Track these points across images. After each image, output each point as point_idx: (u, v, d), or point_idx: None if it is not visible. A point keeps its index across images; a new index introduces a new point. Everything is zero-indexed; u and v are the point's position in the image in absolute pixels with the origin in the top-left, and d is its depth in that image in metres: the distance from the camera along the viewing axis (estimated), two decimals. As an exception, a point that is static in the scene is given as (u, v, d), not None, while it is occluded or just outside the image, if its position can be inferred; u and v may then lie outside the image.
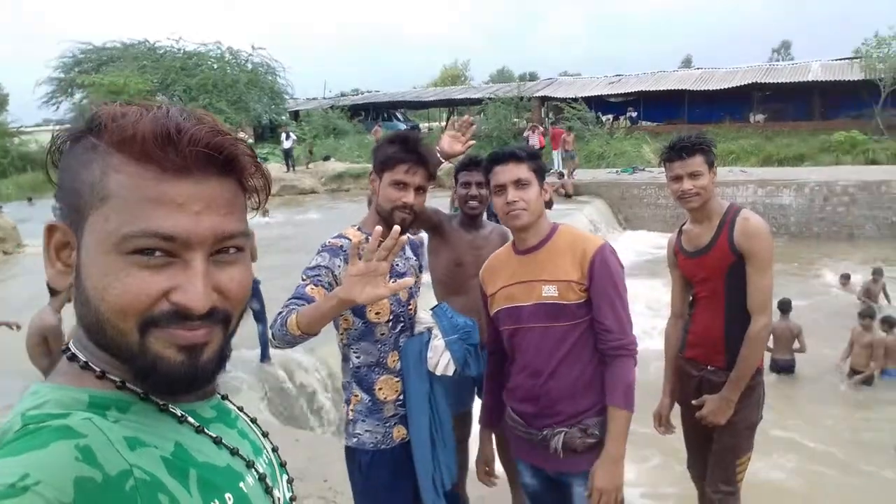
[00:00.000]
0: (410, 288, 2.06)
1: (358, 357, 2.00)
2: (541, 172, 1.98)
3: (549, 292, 1.91)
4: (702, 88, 24.74)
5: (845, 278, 10.09)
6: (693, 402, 2.49)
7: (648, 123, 26.85)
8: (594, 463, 1.90)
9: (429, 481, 2.01)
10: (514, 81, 39.41)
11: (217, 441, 0.70)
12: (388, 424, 2.01)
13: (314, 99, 36.89)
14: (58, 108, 27.62)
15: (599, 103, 26.68)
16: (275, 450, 0.83)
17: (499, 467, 2.41)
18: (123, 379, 0.65)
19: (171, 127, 0.61)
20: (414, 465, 2.01)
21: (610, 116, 27.51)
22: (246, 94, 28.36)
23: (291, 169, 21.06)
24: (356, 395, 1.98)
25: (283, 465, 0.83)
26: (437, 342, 1.97)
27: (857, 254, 13.40)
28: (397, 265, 2.03)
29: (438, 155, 2.34)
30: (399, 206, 1.92)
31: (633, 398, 1.91)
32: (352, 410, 2.02)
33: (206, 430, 0.70)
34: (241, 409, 0.82)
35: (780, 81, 24.01)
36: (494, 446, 2.30)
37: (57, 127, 0.67)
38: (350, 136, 28.76)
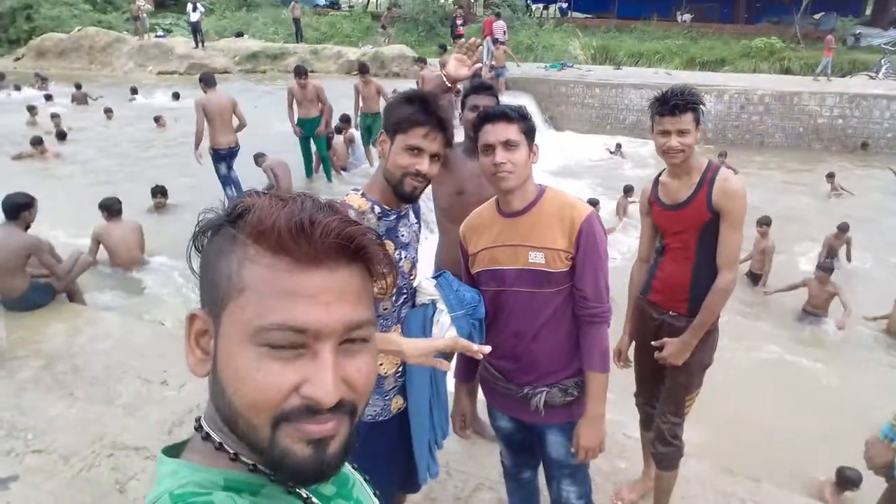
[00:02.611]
0: (413, 257, 1.94)
1: None
2: (531, 134, 1.91)
3: (536, 259, 1.90)
4: (633, -19, 24.21)
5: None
6: (653, 343, 2.60)
7: (578, 15, 26.26)
8: (572, 416, 2.01)
9: (424, 447, 2.00)
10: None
11: None
12: (387, 397, 1.95)
13: (222, -38, 33.36)
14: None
15: (530, -9, 25.69)
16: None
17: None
18: (255, 462, 0.67)
19: (305, 219, 0.62)
20: (410, 432, 1.99)
21: (540, 5, 26.65)
22: (142, -49, 25.17)
23: (200, 45, 19.26)
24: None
25: None
26: (444, 318, 1.88)
27: (763, 161, 14.06)
28: (402, 235, 1.88)
29: (444, 79, 2.28)
30: (412, 172, 1.72)
31: (609, 361, 1.99)
32: None
33: None
34: (354, 467, 0.87)
35: (710, -20, 23.83)
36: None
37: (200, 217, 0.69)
38: (264, 10, 26.45)
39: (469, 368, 2.24)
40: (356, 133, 9.73)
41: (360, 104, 9.20)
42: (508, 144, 1.84)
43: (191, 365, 0.69)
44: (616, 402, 2.38)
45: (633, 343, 2.83)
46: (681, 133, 2.34)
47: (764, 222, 7.91)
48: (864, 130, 15.00)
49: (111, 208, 6.13)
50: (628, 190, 10.05)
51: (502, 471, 2.40)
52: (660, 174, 2.62)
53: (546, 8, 27.85)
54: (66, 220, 6.91)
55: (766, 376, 6.11)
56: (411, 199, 1.78)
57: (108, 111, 13.04)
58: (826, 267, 7.22)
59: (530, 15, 25.37)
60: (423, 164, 1.72)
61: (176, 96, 14.67)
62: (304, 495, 0.71)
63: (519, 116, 1.87)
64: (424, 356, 1.60)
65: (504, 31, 17.25)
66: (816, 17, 22.18)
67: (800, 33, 21.11)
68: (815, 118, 15.24)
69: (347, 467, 0.84)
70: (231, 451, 0.68)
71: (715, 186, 2.37)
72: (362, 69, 9.40)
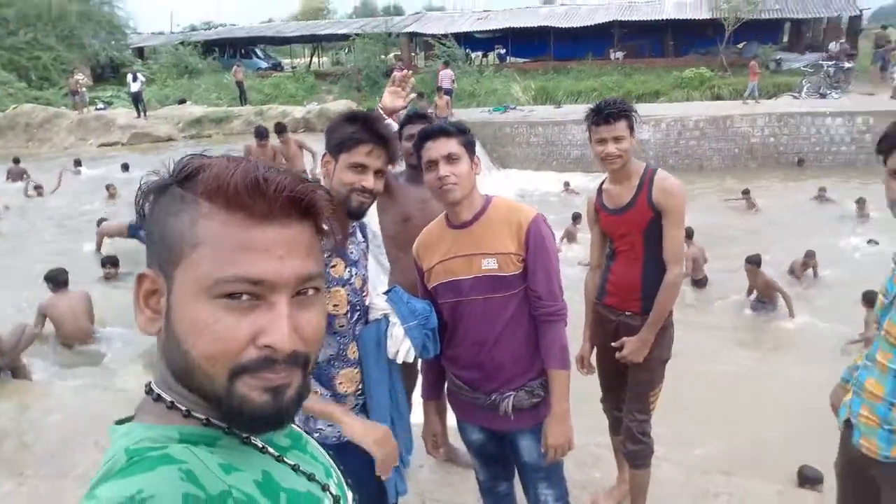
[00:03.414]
0: (364, 274, 1.95)
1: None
2: (471, 146, 1.97)
3: (489, 265, 1.95)
4: (566, 26, 25.27)
5: None
6: (613, 344, 2.68)
7: (516, 60, 27.16)
8: (540, 418, 2.04)
9: None
10: (378, 16, 38.08)
11: (295, 468, 0.75)
12: None
13: (160, 34, 33.57)
14: None
15: (468, 40, 26.57)
16: (341, 470, 0.89)
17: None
18: (208, 416, 0.69)
19: (260, 176, 0.65)
20: None
21: (479, 53, 27.52)
22: (79, 28, 25.17)
23: (143, 115, 19.12)
24: (315, 392, 1.87)
25: (348, 484, 0.88)
26: (397, 330, 1.91)
27: (704, 183, 14.58)
28: (351, 252, 1.89)
29: (381, 111, 2.32)
30: (358, 189, 1.75)
31: (569, 358, 2.04)
32: None
33: (284, 458, 0.75)
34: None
35: (637, 19, 25.06)
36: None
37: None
38: (206, 76, 26.57)
39: (435, 385, 2.24)
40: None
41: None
42: (450, 158, 1.90)
43: (140, 324, 0.70)
44: (584, 411, 2.42)
45: (595, 349, 2.89)
46: (616, 140, 2.46)
47: (686, 234, 8.27)
48: (794, 146, 15.77)
49: (57, 279, 5.94)
50: (576, 217, 10.29)
51: (478, 487, 2.38)
52: (602, 182, 2.72)
53: (485, 56, 28.78)
54: (8, 297, 6.66)
55: (729, 374, 6.27)
56: (358, 214, 1.80)
57: (37, 187, 12.65)
58: (753, 260, 7.74)
59: (470, 63, 26.15)
60: (369, 181, 1.75)
61: (125, 167, 14.43)
62: (260, 445, 0.72)
63: (457, 131, 1.94)
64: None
65: (452, 80, 17.75)
66: (739, 46, 23.46)
67: (725, 62, 22.27)
68: (748, 139, 15.97)
69: (301, 430, 0.86)
70: (183, 409, 0.69)
71: (654, 186, 2.50)
72: (260, 133, 8.28)
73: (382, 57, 26.38)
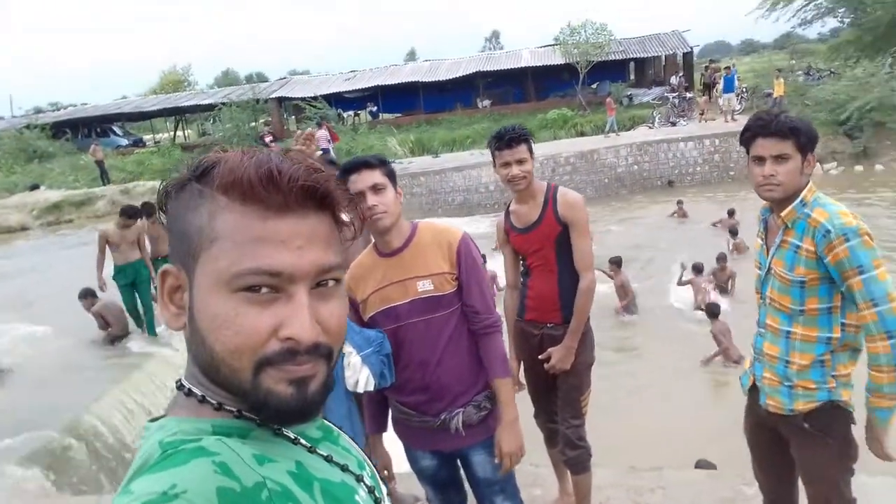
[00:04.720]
0: None
1: None
2: (393, 176, 2.03)
3: (425, 287, 2.02)
4: (433, 79, 26.11)
5: None
6: (540, 356, 2.76)
7: (389, 116, 27.59)
8: (490, 431, 2.11)
9: None
10: (242, 84, 37.56)
11: (328, 459, 0.74)
12: None
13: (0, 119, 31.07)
14: None
15: (338, 100, 26.70)
16: (374, 464, 0.90)
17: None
18: (240, 409, 0.69)
19: (273, 168, 0.64)
20: None
21: (351, 112, 27.69)
22: None
23: (-14, 205, 17.40)
24: None
25: (381, 477, 0.88)
26: (354, 359, 1.94)
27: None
28: None
29: None
30: None
31: (508, 365, 2.16)
32: None
33: (317, 449, 0.74)
34: (340, 428, 0.87)
35: (498, 69, 26.40)
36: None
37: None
38: (60, 159, 24.74)
39: (379, 418, 2.26)
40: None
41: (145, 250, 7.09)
42: (376, 188, 1.95)
43: (166, 320, 0.70)
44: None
45: (521, 365, 2.96)
46: (520, 162, 2.60)
47: (614, 262, 8.70)
48: (656, 171, 16.99)
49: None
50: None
51: None
52: (508, 205, 2.85)
53: (357, 114, 29.02)
54: None
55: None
56: None
57: None
58: (614, 260, 8.53)
59: (343, 122, 26.22)
60: None
61: None
62: (293, 437, 0.72)
63: (379, 162, 2.00)
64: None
65: (328, 140, 17.55)
66: (593, 86, 25.29)
67: (584, 101, 23.86)
68: (615, 168, 17.02)
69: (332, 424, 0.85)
70: (214, 402, 0.68)
71: (558, 202, 2.65)
72: (126, 213, 6.86)
73: (252, 124, 25.85)
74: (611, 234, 13.11)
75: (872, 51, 20.74)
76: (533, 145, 2.64)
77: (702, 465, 4.51)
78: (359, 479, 0.77)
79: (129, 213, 6.85)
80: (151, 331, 7.05)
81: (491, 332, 2.07)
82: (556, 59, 25.18)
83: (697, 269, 8.53)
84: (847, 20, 24.57)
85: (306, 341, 0.65)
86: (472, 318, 2.06)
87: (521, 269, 2.87)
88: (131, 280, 6.91)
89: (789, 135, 1.95)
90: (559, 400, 2.82)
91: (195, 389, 0.69)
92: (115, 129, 31.35)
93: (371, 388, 1.97)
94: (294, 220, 0.65)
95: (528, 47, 28.60)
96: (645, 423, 5.57)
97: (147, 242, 7.08)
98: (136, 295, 7.00)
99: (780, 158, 1.96)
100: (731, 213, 11.81)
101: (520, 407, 2.91)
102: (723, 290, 8.72)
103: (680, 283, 8.68)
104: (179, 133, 32.91)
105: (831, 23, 26.58)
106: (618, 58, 25.30)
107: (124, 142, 29.83)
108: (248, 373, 0.65)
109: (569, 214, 2.62)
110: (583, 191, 16.84)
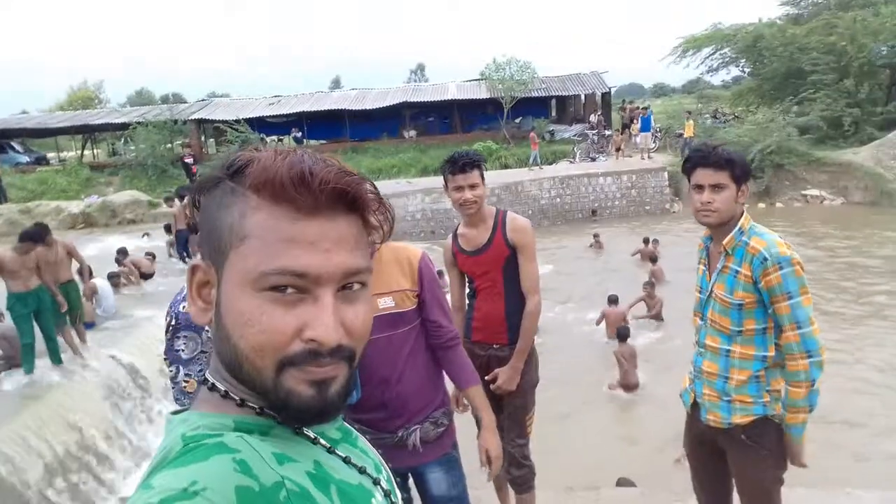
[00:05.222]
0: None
1: None
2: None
3: (386, 303, 2.03)
4: (359, 108, 26.07)
5: None
6: (486, 377, 2.74)
7: (314, 142, 27.24)
8: (446, 448, 2.16)
9: None
10: (156, 104, 36.16)
11: (346, 460, 0.75)
12: None
13: None
14: None
15: (261, 125, 26.12)
16: (391, 468, 0.89)
17: None
18: (262, 406, 0.69)
19: (306, 169, 0.65)
20: None
21: (275, 137, 27.15)
22: None
23: None
24: None
25: (397, 482, 0.88)
26: None
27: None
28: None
29: None
30: None
31: (476, 374, 2.22)
32: None
33: (336, 450, 0.75)
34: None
35: (425, 100, 26.70)
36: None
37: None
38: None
39: None
40: (99, 283, 8.45)
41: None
42: None
43: (193, 314, 0.71)
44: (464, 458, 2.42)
45: None
46: (472, 187, 2.64)
47: (649, 283, 9.27)
48: (577, 204, 17.59)
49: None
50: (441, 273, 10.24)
51: None
52: (456, 229, 2.90)
53: (280, 140, 28.49)
54: None
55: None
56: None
57: None
58: (649, 283, 9.16)
59: (266, 147, 25.67)
60: None
61: None
62: (312, 436, 0.73)
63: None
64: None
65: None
66: (517, 121, 25.99)
67: (508, 135, 24.46)
68: (538, 200, 17.49)
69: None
70: (237, 398, 0.69)
71: (507, 227, 2.72)
72: (29, 236, 6.25)
73: (168, 145, 24.84)
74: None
75: (771, 98, 22.54)
76: (483, 172, 2.69)
77: (622, 483, 4.65)
78: (376, 482, 0.77)
79: (33, 237, 6.27)
80: (56, 359, 6.42)
81: (454, 343, 2.14)
82: (482, 93, 25.76)
83: (612, 300, 8.71)
84: (748, 69, 26.63)
85: (329, 343, 0.65)
86: (435, 333, 2.11)
87: (468, 290, 2.91)
88: (33, 308, 6.17)
89: (725, 166, 2.10)
90: (505, 420, 2.85)
91: (219, 385, 0.70)
92: (16, 144, 29.28)
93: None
94: (323, 222, 0.66)
95: (454, 80, 29.10)
96: (561, 445, 5.68)
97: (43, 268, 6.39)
98: (36, 325, 6.25)
99: (716, 187, 2.11)
100: (646, 241, 12.34)
101: (463, 429, 2.92)
102: (656, 316, 9.02)
103: (598, 322, 8.77)
104: (88, 152, 31.13)
105: (734, 71, 28.72)
106: (540, 94, 26.17)
107: (25, 159, 27.86)
108: (270, 371, 0.65)
109: (518, 238, 2.69)
110: (507, 221, 17.24)
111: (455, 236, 2.88)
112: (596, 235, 14.24)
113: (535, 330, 2.78)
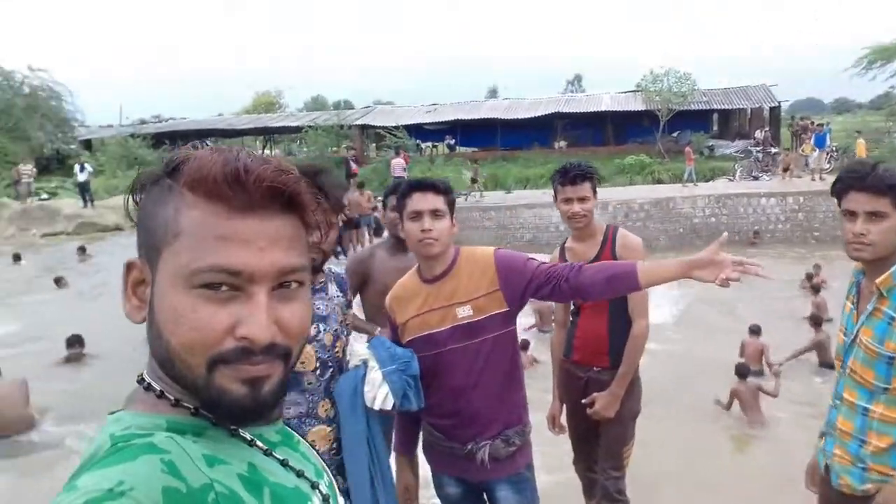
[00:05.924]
0: (336, 329, 1.97)
1: (287, 409, 1.88)
2: (453, 206, 2.05)
3: (465, 313, 1.99)
4: (511, 117, 26.47)
5: None
6: (583, 400, 2.66)
7: (466, 150, 28.07)
8: (518, 468, 2.08)
9: None
10: (329, 109, 39.09)
11: (284, 463, 0.73)
12: None
13: (109, 126, 33.42)
14: None
15: (418, 131, 27.39)
16: (333, 475, 0.88)
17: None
18: (196, 406, 0.68)
19: (240, 167, 0.64)
20: None
21: (429, 143, 28.33)
22: (25, 120, 24.89)
23: (89, 204, 18.74)
24: None
25: (340, 489, 0.87)
26: (375, 374, 1.89)
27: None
28: (318, 308, 1.91)
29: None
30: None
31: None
32: None
33: (273, 452, 0.73)
34: (303, 435, 0.88)
35: (577, 111, 26.52)
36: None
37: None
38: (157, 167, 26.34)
39: (409, 439, 2.24)
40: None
41: None
42: (436, 213, 1.96)
43: (127, 311, 0.71)
44: (556, 479, 2.39)
45: (564, 407, 2.89)
46: (581, 200, 2.58)
47: (814, 318, 8.06)
48: (734, 225, 16.49)
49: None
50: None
51: None
52: (564, 242, 2.82)
53: (435, 146, 29.69)
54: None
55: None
56: (317, 269, 1.91)
57: None
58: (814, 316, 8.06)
59: (421, 152, 26.90)
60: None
61: (82, 250, 14.07)
62: (249, 438, 0.71)
63: (445, 189, 2.02)
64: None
65: (403, 168, 17.98)
66: (674, 135, 24.96)
67: (662, 149, 23.58)
68: (690, 219, 16.69)
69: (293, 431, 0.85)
70: (172, 398, 0.69)
71: (617, 243, 2.62)
72: None
73: (334, 148, 26.89)
74: (681, 284, 12.79)
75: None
76: (597, 185, 2.61)
77: None
78: (314, 486, 0.76)
79: None
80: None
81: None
82: (637, 105, 25.08)
83: (753, 330, 7.75)
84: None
85: (262, 341, 0.65)
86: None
87: (572, 307, 2.81)
88: None
89: (887, 191, 1.76)
90: (601, 449, 2.73)
91: (154, 384, 0.70)
92: (209, 143, 33.26)
93: (389, 406, 1.91)
94: (258, 221, 0.66)
95: (608, 92, 28.58)
96: (660, 475, 5.33)
97: None
98: None
99: (874, 216, 1.78)
100: (817, 270, 11.27)
101: (559, 453, 2.95)
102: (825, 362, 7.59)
103: (740, 354, 8.06)
104: (267, 152, 34.57)
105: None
106: (700, 108, 24.96)
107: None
108: (201, 369, 0.65)
109: (628, 256, 2.51)
110: (656, 239, 16.64)
111: (563, 249, 2.79)
112: (817, 267, 11.37)
113: (640, 356, 2.63)
